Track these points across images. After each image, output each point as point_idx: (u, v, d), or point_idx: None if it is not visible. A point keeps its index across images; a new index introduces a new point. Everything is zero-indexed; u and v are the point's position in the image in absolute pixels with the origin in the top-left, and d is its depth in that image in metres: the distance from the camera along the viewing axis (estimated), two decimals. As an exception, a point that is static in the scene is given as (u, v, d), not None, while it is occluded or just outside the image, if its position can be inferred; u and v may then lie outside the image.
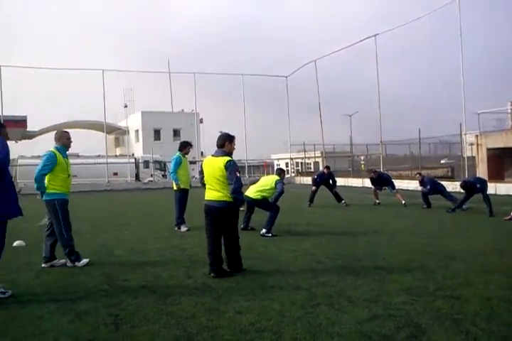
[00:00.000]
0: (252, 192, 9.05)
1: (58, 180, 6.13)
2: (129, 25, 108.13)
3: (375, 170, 15.68)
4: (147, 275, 5.62)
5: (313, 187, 14.85)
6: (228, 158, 5.63)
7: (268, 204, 8.99)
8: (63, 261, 6.33)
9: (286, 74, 36.42)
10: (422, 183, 13.40)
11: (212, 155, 5.86)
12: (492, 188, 16.26)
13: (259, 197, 8.90)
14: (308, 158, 39.11)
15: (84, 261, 6.30)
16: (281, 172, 9.50)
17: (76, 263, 6.21)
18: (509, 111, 24.66)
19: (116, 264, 6.27)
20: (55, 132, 6.60)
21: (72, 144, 6.50)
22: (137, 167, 35.70)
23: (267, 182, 9.13)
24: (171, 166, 9.98)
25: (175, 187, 9.68)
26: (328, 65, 35.23)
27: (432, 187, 13.06)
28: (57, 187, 6.13)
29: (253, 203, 9.05)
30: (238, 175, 5.58)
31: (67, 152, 6.37)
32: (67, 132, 6.55)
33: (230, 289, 4.90)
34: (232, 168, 5.57)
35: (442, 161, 37.58)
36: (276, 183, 8.96)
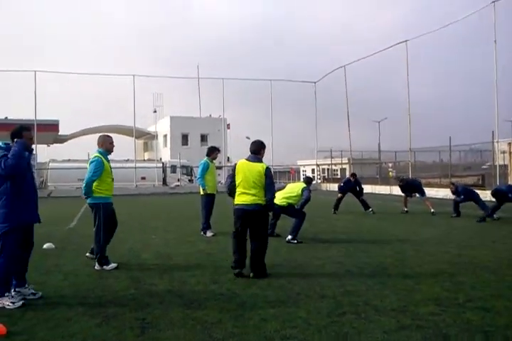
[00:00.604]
0: (278, 198, 9.03)
1: (105, 184, 6.40)
2: (160, 31, 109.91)
3: (402, 178, 15.41)
4: (173, 279, 5.67)
5: (339, 194, 14.75)
6: (267, 165, 5.97)
7: (294, 210, 8.97)
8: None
9: (314, 80, 36.36)
10: (455, 193, 13.08)
11: (247, 160, 6.03)
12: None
13: (284, 203, 8.89)
14: (335, 164, 38.82)
15: (113, 265, 6.41)
16: (309, 180, 9.50)
17: (104, 267, 6.32)
18: (543, 118, 23.95)
19: (143, 268, 6.35)
20: (97, 136, 6.80)
21: None
22: (164, 171, 36.11)
23: (294, 189, 9.11)
24: (198, 171, 10.06)
25: (202, 192, 9.75)
26: (358, 71, 34.95)
27: (467, 196, 12.72)
28: (103, 190, 6.39)
29: (279, 210, 9.03)
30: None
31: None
32: (110, 136, 6.78)
33: (255, 296, 4.90)
34: (271, 174, 5.94)
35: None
36: (302, 190, 8.93)
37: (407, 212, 14.24)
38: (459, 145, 28.19)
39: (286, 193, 9.06)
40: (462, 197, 12.71)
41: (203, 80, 41.63)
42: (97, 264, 6.38)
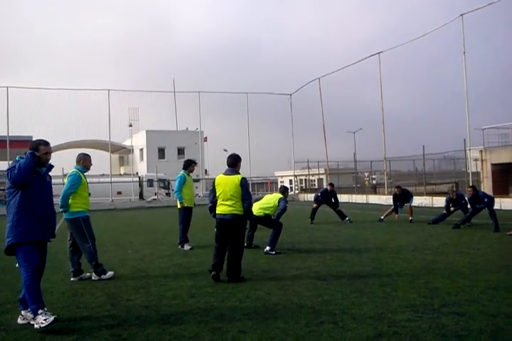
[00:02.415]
0: (255, 209, 9.05)
1: (82, 198, 6.56)
2: (134, 45, 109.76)
3: (399, 185, 15.33)
4: (150, 294, 5.60)
5: (314, 205, 14.82)
6: (242, 176, 6.42)
7: (271, 221, 8.98)
8: (89, 274, 6.67)
9: (290, 92, 36.72)
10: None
11: (225, 174, 6.50)
12: (497, 203, 16.15)
13: (261, 214, 8.90)
14: (312, 175, 39.09)
15: (110, 273, 6.63)
16: (284, 190, 9.52)
17: (102, 276, 6.49)
18: (513, 126, 24.68)
19: (120, 284, 6.25)
20: (72, 151, 6.94)
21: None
22: (141, 185, 35.77)
23: (271, 200, 9.14)
24: (175, 184, 10.00)
25: (179, 206, 9.69)
26: (333, 83, 35.46)
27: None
28: (81, 204, 6.55)
29: (256, 220, 9.04)
30: (250, 191, 6.39)
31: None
32: (89, 156, 6.95)
33: (233, 308, 4.87)
34: (247, 184, 6.39)
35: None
36: (279, 201, 8.96)
37: (382, 220, 14.38)
38: (432, 154, 28.73)
39: (263, 204, 9.08)
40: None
41: (180, 94, 41.57)
42: (94, 275, 6.56)
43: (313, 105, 34.72)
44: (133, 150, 45.15)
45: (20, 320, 4.54)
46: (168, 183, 34.88)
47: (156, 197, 33.42)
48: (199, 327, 4.25)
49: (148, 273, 7.01)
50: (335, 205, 14.76)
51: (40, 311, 4.31)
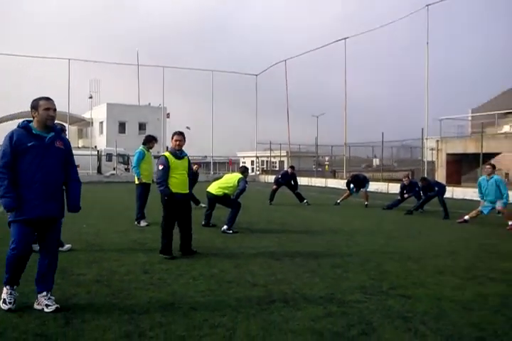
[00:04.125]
0: (214, 188, 9.01)
1: None
2: (98, 16, 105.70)
3: (353, 174, 15.58)
4: (103, 269, 5.51)
5: (274, 186, 14.93)
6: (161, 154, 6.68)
7: (229, 200, 8.96)
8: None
9: (256, 73, 36.47)
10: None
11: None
12: (449, 192, 16.75)
13: (220, 193, 8.87)
14: (274, 156, 39.28)
15: (68, 246, 6.52)
16: (244, 170, 9.48)
17: (60, 248, 6.21)
18: (469, 118, 25.46)
19: (72, 258, 6.12)
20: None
21: None
22: (99, 160, 34.98)
23: (231, 179, 9.10)
24: (133, 160, 9.81)
25: (137, 181, 9.53)
26: (299, 66, 35.56)
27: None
28: None
29: (214, 199, 9.01)
30: (160, 168, 6.33)
31: None
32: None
33: (187, 285, 4.86)
34: (158, 162, 6.47)
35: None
36: (239, 181, 8.94)
37: (339, 204, 14.66)
38: (391, 142, 29.37)
39: (223, 183, 9.04)
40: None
41: (144, 68, 40.59)
42: None
43: (279, 87, 34.71)
44: (92, 123, 43.92)
45: (36, 305, 4.04)
46: (128, 158, 34.25)
47: (114, 172, 32.81)
48: (150, 303, 4.23)
49: (103, 247, 6.90)
50: (294, 187, 14.90)
51: (6, 289, 4.03)
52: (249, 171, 9.94)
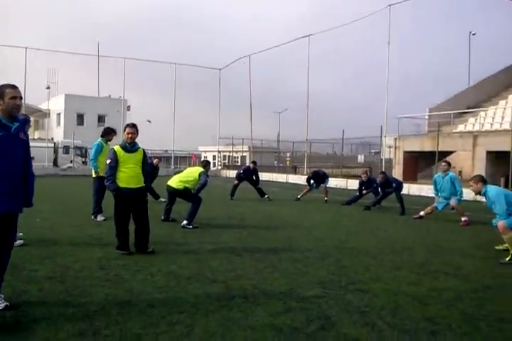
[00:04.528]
0: (174, 182, 8.87)
1: None
2: (56, 4, 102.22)
3: (314, 170, 15.74)
4: (56, 265, 5.32)
5: (236, 181, 14.89)
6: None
7: (190, 195, 8.84)
8: None
9: (219, 67, 36.22)
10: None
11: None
12: (406, 188, 17.16)
13: (181, 187, 8.74)
14: (236, 152, 39.22)
15: (20, 241, 6.20)
16: (206, 164, 9.37)
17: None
18: (426, 117, 26.16)
19: (23, 253, 5.87)
20: None
21: None
22: (56, 152, 33.92)
23: (192, 173, 8.97)
24: (91, 152, 9.54)
25: (94, 175, 9.27)
26: (264, 62, 35.53)
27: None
28: None
29: (174, 193, 8.87)
30: (107, 162, 6.23)
31: None
32: None
33: (144, 281, 4.75)
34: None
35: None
36: (200, 175, 8.83)
37: (299, 199, 14.77)
38: (350, 139, 29.86)
39: (184, 177, 8.91)
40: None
41: (104, 59, 39.51)
42: None
43: (243, 82, 34.61)
44: (49, 114, 42.45)
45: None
46: (86, 151, 33.37)
47: (71, 164, 31.91)
48: (106, 300, 4.10)
49: (57, 242, 6.67)
50: (256, 183, 14.89)
51: None
52: (211, 166, 9.76)
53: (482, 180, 6.68)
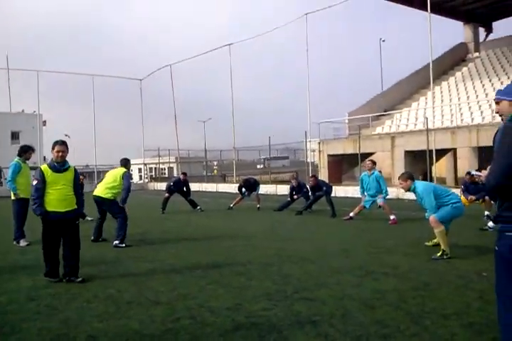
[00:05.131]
0: (100, 190, 8.23)
1: None
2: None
3: (244, 178, 15.83)
4: (-22, 300, 4.83)
5: (167, 194, 14.52)
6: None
7: (116, 209, 8.30)
8: None
9: (140, 78, 35.46)
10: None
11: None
12: (332, 191, 17.65)
13: (109, 196, 8.20)
14: (163, 163, 38.47)
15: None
16: (126, 162, 8.65)
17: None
18: (347, 121, 27.19)
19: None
20: None
21: None
22: (-34, 173, 31.39)
23: (115, 176, 8.34)
24: (8, 173, 8.86)
25: (13, 197, 8.61)
26: (186, 72, 35.36)
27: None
28: None
29: (102, 203, 8.31)
30: (33, 183, 5.67)
31: None
32: None
33: (80, 310, 4.43)
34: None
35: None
36: (122, 177, 8.25)
37: (231, 208, 14.70)
38: (277, 145, 30.37)
39: (109, 183, 8.27)
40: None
41: (16, 73, 37.23)
42: None
43: (165, 92, 34.19)
44: (-45, 132, 39.35)
45: None
46: (0, 171, 31.19)
47: (-16, 186, 29.66)
48: (40, 335, 3.76)
49: (-25, 275, 6.08)
50: (187, 194, 14.63)
51: None
52: (130, 162, 8.90)
53: (410, 177, 6.90)
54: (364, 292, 4.76)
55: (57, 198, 5.57)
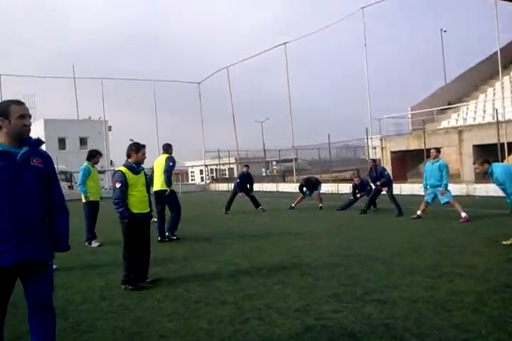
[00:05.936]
0: (158, 185, 8.59)
1: None
2: (30, 29, 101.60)
3: (305, 177, 15.75)
4: (56, 299, 5.02)
5: (234, 192, 14.53)
6: (116, 169, 5.84)
7: (175, 202, 8.54)
8: None
9: (198, 81, 36.15)
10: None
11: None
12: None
13: (165, 187, 8.51)
14: (223, 164, 38.99)
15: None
16: (167, 147, 8.94)
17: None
18: (410, 116, 26.29)
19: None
20: None
21: None
22: (40, 178, 33.28)
23: (161, 164, 8.67)
24: (79, 177, 9.27)
25: (84, 200, 9.00)
26: (242, 73, 35.75)
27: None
28: None
29: (163, 197, 8.58)
30: (116, 186, 5.53)
31: None
32: None
33: (151, 309, 4.51)
34: (112, 178, 5.84)
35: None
36: (166, 161, 8.50)
37: (293, 207, 14.57)
38: (336, 143, 29.90)
39: (160, 175, 8.57)
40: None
41: (81, 81, 39.13)
42: None
43: (223, 94, 34.58)
44: (29, 140, 41.90)
45: None
46: (71, 175, 32.87)
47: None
48: (115, 333, 3.87)
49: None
50: (250, 189, 14.61)
51: None
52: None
53: (486, 161, 6.82)
54: (439, 294, 4.52)
55: (139, 200, 5.62)
